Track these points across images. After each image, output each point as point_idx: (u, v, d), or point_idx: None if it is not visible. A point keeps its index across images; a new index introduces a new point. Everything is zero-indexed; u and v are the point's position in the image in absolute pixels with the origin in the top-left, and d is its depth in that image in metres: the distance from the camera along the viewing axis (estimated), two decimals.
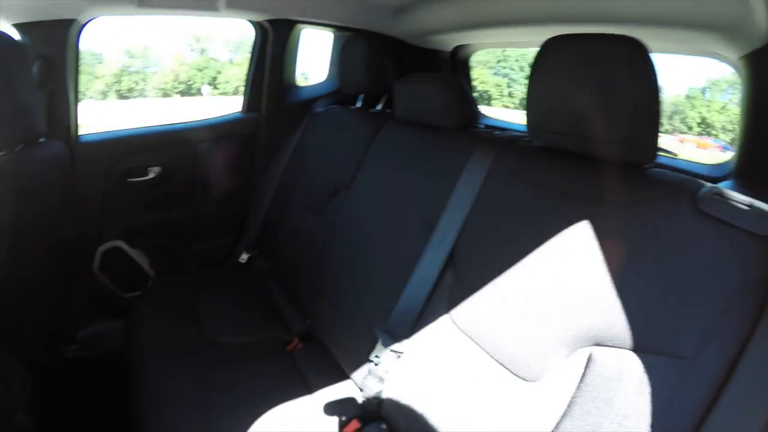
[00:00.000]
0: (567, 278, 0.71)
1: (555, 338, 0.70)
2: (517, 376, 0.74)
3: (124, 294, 1.59)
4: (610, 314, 0.65)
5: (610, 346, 0.65)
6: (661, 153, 0.71)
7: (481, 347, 0.81)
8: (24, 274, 1.00)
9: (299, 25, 1.65)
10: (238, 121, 1.69)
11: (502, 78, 4.08)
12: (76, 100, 1.41)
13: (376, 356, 0.94)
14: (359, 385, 0.99)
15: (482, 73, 3.24)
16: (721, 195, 0.62)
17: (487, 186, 0.90)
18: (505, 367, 0.76)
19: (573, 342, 0.69)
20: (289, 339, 1.24)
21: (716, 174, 1.05)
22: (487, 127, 1.22)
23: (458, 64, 1.74)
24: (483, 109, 1.80)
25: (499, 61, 4.06)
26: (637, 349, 0.62)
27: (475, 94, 1.95)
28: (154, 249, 1.63)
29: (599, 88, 0.70)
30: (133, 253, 1.59)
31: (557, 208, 0.76)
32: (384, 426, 0.89)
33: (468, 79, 1.79)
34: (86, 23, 1.35)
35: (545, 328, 0.72)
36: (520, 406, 0.72)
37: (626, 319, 0.63)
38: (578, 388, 0.66)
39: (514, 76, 4.07)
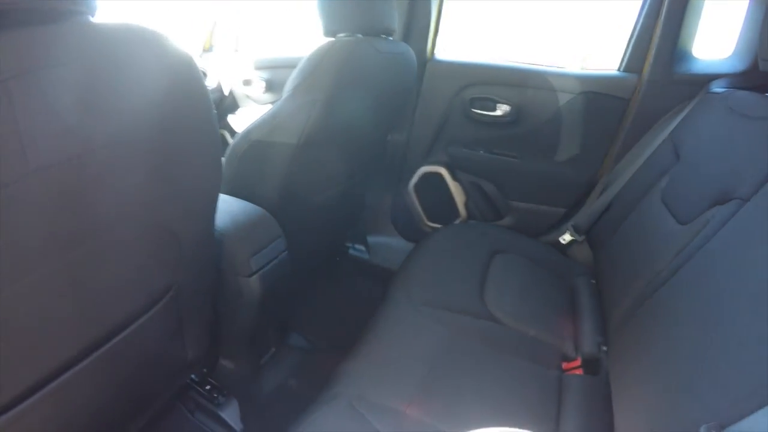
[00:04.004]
0: None
1: None
2: None
3: (427, 221, 1.57)
4: None
5: None
6: None
7: None
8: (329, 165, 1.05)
9: None
10: (612, 80, 1.35)
11: None
12: (438, 22, 1.44)
13: None
14: None
15: None
16: None
17: None
18: None
19: None
20: (572, 357, 0.96)
21: None
22: None
23: None
24: None
25: None
26: None
27: None
28: (474, 189, 1.50)
29: None
30: (452, 185, 1.51)
31: None
32: None
33: None
34: None
35: None
36: None
37: None
38: None
39: None
